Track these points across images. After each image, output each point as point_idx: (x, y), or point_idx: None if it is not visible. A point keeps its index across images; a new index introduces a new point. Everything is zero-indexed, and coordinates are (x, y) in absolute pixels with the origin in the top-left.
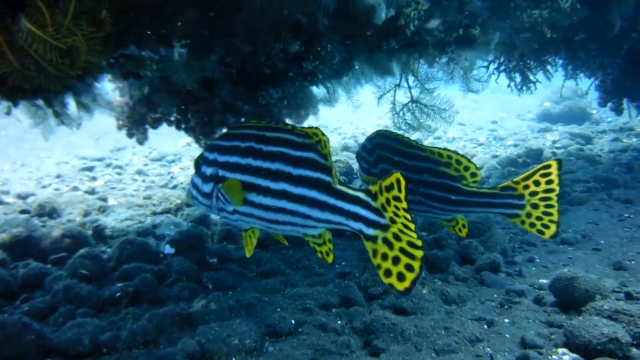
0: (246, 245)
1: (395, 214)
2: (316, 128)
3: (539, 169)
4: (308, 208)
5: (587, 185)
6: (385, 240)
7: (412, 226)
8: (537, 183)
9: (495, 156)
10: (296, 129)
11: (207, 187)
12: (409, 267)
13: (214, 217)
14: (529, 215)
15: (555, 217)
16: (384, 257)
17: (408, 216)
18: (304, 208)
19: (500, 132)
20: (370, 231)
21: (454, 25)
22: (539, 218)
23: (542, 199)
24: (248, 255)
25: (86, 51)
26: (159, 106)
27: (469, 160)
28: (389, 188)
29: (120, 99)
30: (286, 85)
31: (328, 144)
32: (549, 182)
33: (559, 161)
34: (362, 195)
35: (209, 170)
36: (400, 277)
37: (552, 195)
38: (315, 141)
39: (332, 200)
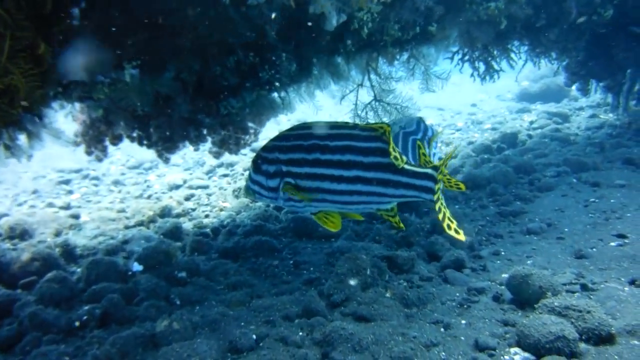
0: (326, 223)
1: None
2: (383, 123)
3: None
4: (383, 188)
5: (558, 170)
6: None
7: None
8: None
9: (471, 142)
10: (359, 125)
11: (272, 182)
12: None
13: (187, 227)
14: None
15: None
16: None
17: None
18: (379, 188)
19: (479, 115)
20: (430, 196)
21: (409, 24)
22: None
23: None
24: (338, 229)
25: (25, 89)
26: (119, 124)
27: None
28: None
29: (80, 116)
30: (246, 94)
31: (390, 133)
32: None
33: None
34: (429, 170)
35: (271, 168)
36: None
37: None
38: (380, 133)
39: (404, 179)
